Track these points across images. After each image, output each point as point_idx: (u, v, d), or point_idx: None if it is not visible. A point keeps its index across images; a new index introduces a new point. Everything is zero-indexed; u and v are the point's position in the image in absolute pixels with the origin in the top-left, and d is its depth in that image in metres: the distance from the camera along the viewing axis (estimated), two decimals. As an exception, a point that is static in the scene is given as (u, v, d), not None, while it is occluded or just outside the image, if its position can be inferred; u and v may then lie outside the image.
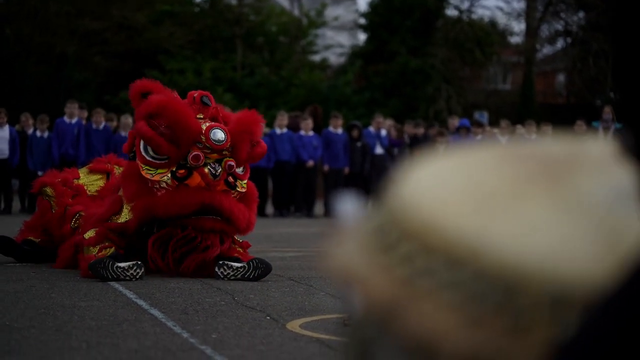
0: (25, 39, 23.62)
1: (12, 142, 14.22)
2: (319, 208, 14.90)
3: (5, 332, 4.07)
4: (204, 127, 6.16)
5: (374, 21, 26.50)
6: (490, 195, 0.96)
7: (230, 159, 6.25)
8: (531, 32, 26.71)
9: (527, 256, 0.86)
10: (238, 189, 6.31)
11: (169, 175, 6.13)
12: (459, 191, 0.96)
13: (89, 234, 6.25)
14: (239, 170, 6.38)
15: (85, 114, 14.66)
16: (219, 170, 6.16)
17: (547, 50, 29.47)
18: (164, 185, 6.11)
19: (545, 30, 27.69)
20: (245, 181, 6.43)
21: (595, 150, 1.07)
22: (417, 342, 0.88)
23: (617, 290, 0.74)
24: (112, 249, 6.18)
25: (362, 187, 14.73)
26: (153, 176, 6.14)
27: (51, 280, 5.92)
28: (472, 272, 0.87)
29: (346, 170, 14.63)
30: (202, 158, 6.11)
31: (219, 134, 6.18)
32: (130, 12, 23.78)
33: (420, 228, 0.92)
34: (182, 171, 6.13)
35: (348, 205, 1.21)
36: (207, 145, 6.13)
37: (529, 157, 1.05)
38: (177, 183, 6.09)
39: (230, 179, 6.27)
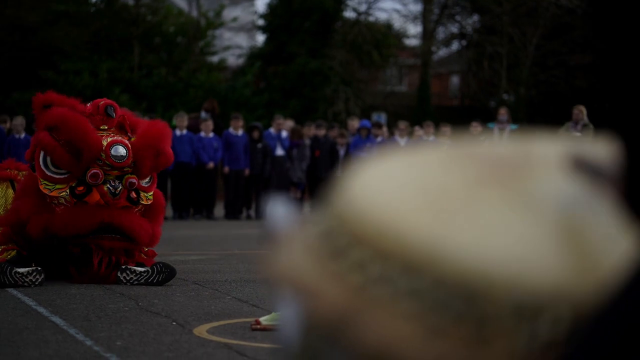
0: None
1: None
2: (219, 210, 14.76)
3: None
4: (104, 143, 6.01)
5: (273, 23, 26.45)
6: (444, 198, 0.91)
7: (132, 175, 6.11)
8: (427, 34, 27.08)
9: (488, 262, 0.81)
10: (142, 202, 6.19)
11: (68, 191, 5.98)
12: (411, 193, 0.91)
13: None
14: (145, 182, 6.25)
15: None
16: (118, 189, 6.02)
17: (442, 52, 29.94)
18: (62, 201, 5.96)
19: (441, 33, 28.12)
20: (151, 193, 6.30)
21: (543, 152, 1.03)
22: (373, 354, 0.82)
23: (614, 300, 0.71)
24: (14, 252, 5.99)
25: (263, 189, 14.66)
26: (51, 191, 5.99)
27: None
28: (431, 279, 0.82)
29: (247, 171, 14.53)
30: (101, 176, 5.97)
31: (120, 150, 6.04)
32: (24, 12, 23.16)
33: (374, 233, 0.87)
34: (80, 188, 5.99)
35: (279, 209, 1.16)
36: (107, 162, 6.00)
37: (477, 158, 1.00)
38: (75, 200, 5.95)
39: (133, 194, 6.14)
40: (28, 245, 6.07)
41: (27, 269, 5.78)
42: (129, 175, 6.12)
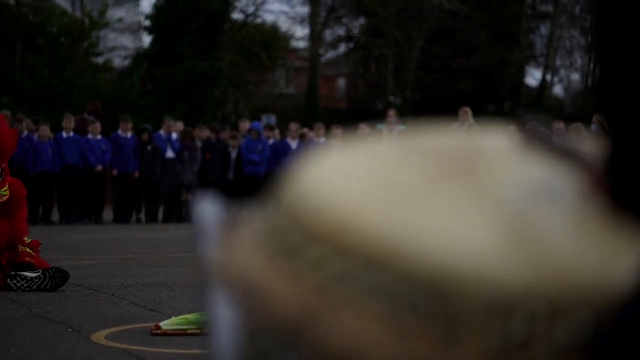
0: None
1: None
2: (107, 214, 14.44)
3: None
4: None
5: (159, 23, 26.06)
6: (403, 191, 0.87)
7: None
8: (315, 36, 27.16)
9: (456, 258, 0.79)
10: None
11: None
12: (369, 187, 0.88)
13: None
14: None
15: None
16: None
17: (330, 55, 30.06)
18: None
19: (328, 35, 28.23)
20: (5, 188, 6.07)
21: (497, 145, 1.01)
22: (334, 356, 0.79)
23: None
24: None
25: (153, 192, 14.43)
26: None
27: None
28: (395, 276, 0.79)
29: (136, 174, 14.27)
30: None
31: None
32: None
33: (333, 229, 0.83)
34: None
35: (208, 207, 1.12)
36: None
37: (432, 151, 0.98)
38: None
39: None
40: None
41: None
42: None
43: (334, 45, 28.82)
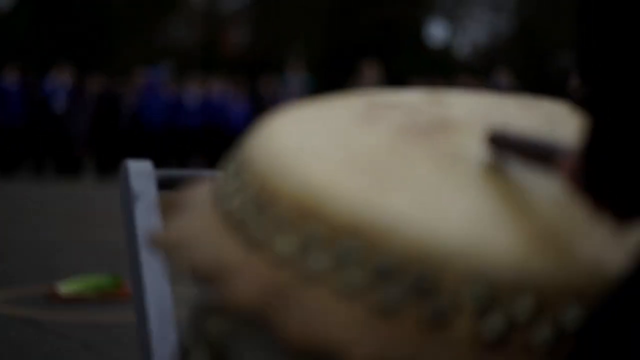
0: None
1: None
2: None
3: None
4: None
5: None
6: (372, 155, 0.81)
7: None
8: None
9: (441, 233, 0.70)
10: None
11: None
12: (336, 151, 0.80)
13: None
14: None
15: None
16: None
17: (234, 4, 29.53)
18: None
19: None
20: None
21: (459, 111, 0.95)
22: (304, 342, 0.68)
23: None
24: None
25: (41, 147, 13.97)
26: None
27: None
28: (375, 251, 0.69)
29: (21, 126, 13.77)
30: None
31: None
32: None
33: (302, 198, 0.73)
34: None
35: (141, 172, 1.01)
36: None
37: (396, 111, 0.90)
38: None
39: None
40: None
41: None
42: None
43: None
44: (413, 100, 0.97)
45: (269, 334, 0.74)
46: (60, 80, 14.38)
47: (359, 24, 25.29)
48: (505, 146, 0.83)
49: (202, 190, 0.85)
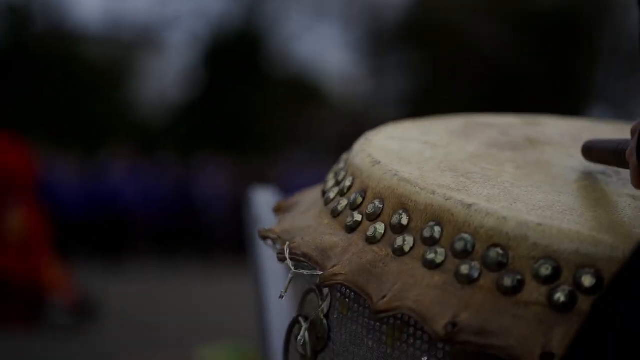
0: None
1: None
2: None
3: None
4: None
5: None
6: (462, 160, 0.96)
7: None
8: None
9: (514, 217, 0.83)
10: None
11: None
12: (429, 156, 0.96)
13: None
14: None
15: None
16: None
17: None
18: None
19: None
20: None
21: (552, 131, 1.09)
22: (393, 308, 0.82)
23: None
24: None
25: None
26: None
27: None
28: (455, 234, 0.84)
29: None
30: None
31: None
32: None
33: (395, 190, 0.89)
34: None
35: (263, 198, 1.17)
36: None
37: (491, 128, 1.05)
38: None
39: None
40: None
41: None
42: None
43: None
44: (509, 122, 1.12)
45: (362, 307, 0.89)
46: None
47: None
48: (596, 154, 0.96)
49: (313, 192, 1.01)
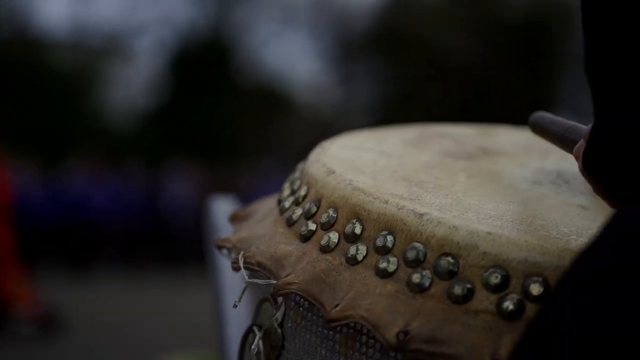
0: None
1: None
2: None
3: None
4: None
5: None
6: (414, 169, 0.97)
7: None
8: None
9: (464, 226, 0.85)
10: None
11: None
12: (382, 165, 0.97)
13: None
14: None
15: None
16: None
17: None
18: None
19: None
20: None
21: (505, 141, 1.11)
22: (345, 316, 0.84)
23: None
24: None
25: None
26: None
27: None
28: (407, 243, 0.86)
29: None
30: None
31: None
32: None
33: (349, 200, 0.91)
34: None
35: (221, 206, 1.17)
36: None
37: (445, 138, 1.07)
38: None
39: None
40: None
41: None
42: None
43: None
44: (464, 132, 1.14)
45: (316, 316, 0.90)
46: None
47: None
48: (542, 130, 0.97)
49: (269, 201, 1.02)
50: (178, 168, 14.80)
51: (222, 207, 1.26)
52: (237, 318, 1.17)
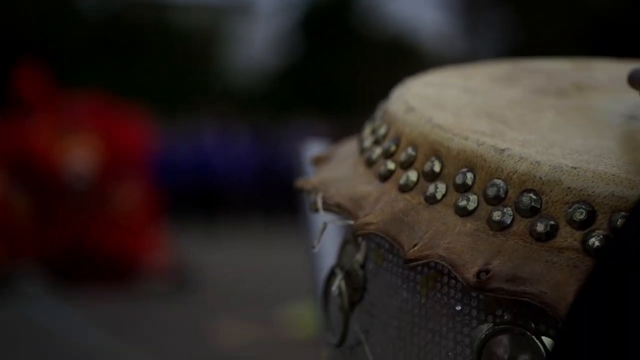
0: None
1: None
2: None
3: None
4: None
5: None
6: (500, 106, 0.95)
7: None
8: None
9: (548, 161, 0.82)
10: None
11: None
12: (466, 102, 0.95)
13: None
14: None
15: None
16: None
17: None
18: None
19: None
20: None
21: (602, 75, 1.06)
22: (424, 256, 0.82)
23: None
24: None
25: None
26: None
27: None
28: (488, 180, 0.83)
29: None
30: None
31: None
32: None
33: (428, 137, 0.89)
34: None
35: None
36: None
37: (538, 74, 1.03)
38: None
39: None
40: None
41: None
42: None
43: None
44: (559, 67, 1.10)
45: (396, 257, 0.88)
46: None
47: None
48: None
49: (351, 143, 1.01)
50: (304, 125, 14.92)
51: (312, 152, 1.25)
52: (329, 262, 1.17)
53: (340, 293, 0.92)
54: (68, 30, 22.04)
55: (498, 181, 0.83)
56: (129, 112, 9.75)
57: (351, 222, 0.88)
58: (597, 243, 0.78)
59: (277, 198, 14.12)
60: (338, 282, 0.92)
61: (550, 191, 0.81)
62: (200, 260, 9.20)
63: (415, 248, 0.83)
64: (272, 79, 22.74)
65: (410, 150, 0.89)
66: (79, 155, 8.75)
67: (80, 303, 7.76)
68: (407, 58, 21.36)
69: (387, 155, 0.91)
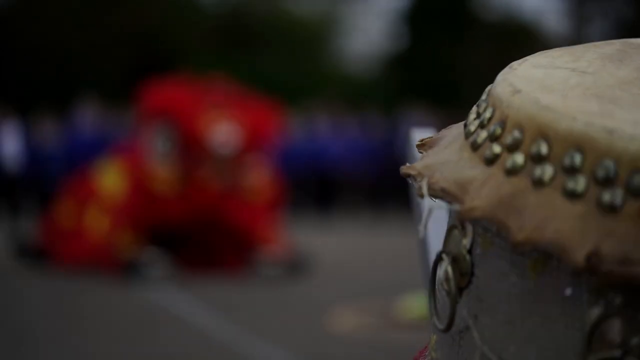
0: None
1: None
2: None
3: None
4: None
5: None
6: (609, 86, 0.91)
7: None
8: None
9: None
10: None
11: None
12: (575, 82, 0.92)
13: None
14: None
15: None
16: None
17: None
18: None
19: None
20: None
21: None
22: (534, 240, 0.80)
23: None
24: None
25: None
26: None
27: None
28: (596, 162, 0.80)
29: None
30: None
31: None
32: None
33: (535, 119, 0.86)
34: None
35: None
36: None
37: None
38: None
39: None
40: None
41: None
42: None
43: None
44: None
45: (504, 241, 0.86)
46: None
47: None
48: None
49: (456, 128, 0.99)
50: (417, 114, 14.84)
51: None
52: (436, 248, 1.15)
53: (447, 278, 0.91)
54: (191, 26, 22.49)
55: (608, 162, 0.80)
56: (262, 100, 9.97)
57: (457, 207, 0.87)
58: None
59: (390, 186, 14.10)
60: (445, 268, 0.91)
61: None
62: (313, 247, 9.26)
63: (524, 232, 0.81)
64: (383, 67, 22.70)
65: (516, 133, 0.87)
66: (224, 126, 8.99)
67: (200, 289, 7.90)
68: (520, 43, 21.04)
69: (493, 138, 0.89)
